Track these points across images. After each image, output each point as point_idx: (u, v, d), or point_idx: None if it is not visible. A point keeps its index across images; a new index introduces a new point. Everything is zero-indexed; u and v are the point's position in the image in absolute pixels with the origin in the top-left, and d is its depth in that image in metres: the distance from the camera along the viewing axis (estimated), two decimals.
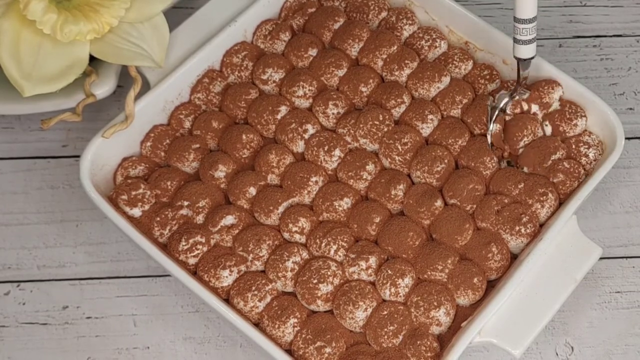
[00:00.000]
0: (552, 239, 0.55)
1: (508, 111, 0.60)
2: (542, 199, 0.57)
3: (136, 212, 0.58)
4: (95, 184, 0.58)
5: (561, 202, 0.58)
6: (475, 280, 0.55)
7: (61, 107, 0.60)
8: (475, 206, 0.58)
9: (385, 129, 0.60)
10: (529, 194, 0.57)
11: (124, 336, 0.59)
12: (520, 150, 0.59)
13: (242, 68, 0.64)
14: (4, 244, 0.63)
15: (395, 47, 0.64)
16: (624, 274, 0.62)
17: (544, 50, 0.71)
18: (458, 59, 0.63)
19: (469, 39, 0.65)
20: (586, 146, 0.59)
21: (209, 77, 0.64)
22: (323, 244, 0.57)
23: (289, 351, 0.54)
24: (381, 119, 0.61)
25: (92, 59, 0.58)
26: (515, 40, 0.56)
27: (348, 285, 0.55)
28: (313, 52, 0.64)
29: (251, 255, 0.56)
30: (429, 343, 0.53)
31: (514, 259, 0.57)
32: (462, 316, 0.55)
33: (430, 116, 0.61)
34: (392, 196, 0.58)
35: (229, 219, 0.58)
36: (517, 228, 0.56)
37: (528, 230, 0.56)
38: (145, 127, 0.62)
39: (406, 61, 0.63)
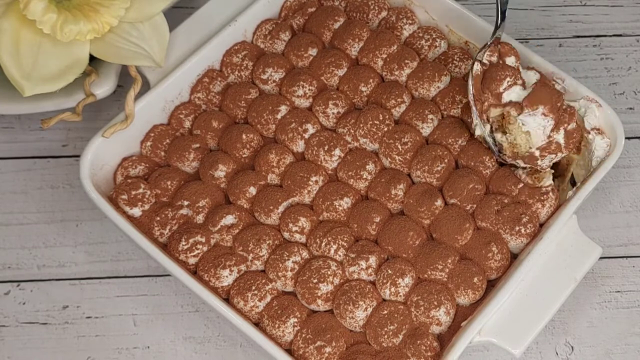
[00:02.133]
0: (552, 238, 0.55)
1: (485, 60, 0.58)
2: (543, 198, 0.57)
3: (136, 211, 0.58)
4: (95, 183, 0.58)
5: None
6: (475, 279, 0.55)
7: (61, 106, 0.60)
8: (475, 206, 0.58)
9: (386, 129, 0.61)
10: (530, 194, 0.57)
11: (124, 336, 0.59)
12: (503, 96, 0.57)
13: (242, 68, 0.64)
14: (4, 244, 0.63)
15: (395, 46, 0.64)
16: (624, 273, 0.62)
17: (544, 50, 0.71)
18: (458, 59, 0.63)
19: (468, 39, 0.65)
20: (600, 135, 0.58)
21: (209, 76, 0.64)
22: (323, 244, 0.57)
23: (289, 351, 0.54)
24: (381, 118, 0.61)
25: (92, 58, 0.58)
26: None
27: (348, 285, 0.55)
28: (313, 51, 0.64)
29: (251, 254, 0.57)
30: (429, 342, 0.53)
31: (514, 258, 0.57)
32: (462, 315, 0.55)
33: (430, 116, 0.61)
34: (392, 196, 0.58)
35: (229, 219, 0.58)
36: (517, 228, 0.56)
37: (528, 231, 0.56)
38: (145, 127, 0.62)
39: (406, 61, 0.63)
